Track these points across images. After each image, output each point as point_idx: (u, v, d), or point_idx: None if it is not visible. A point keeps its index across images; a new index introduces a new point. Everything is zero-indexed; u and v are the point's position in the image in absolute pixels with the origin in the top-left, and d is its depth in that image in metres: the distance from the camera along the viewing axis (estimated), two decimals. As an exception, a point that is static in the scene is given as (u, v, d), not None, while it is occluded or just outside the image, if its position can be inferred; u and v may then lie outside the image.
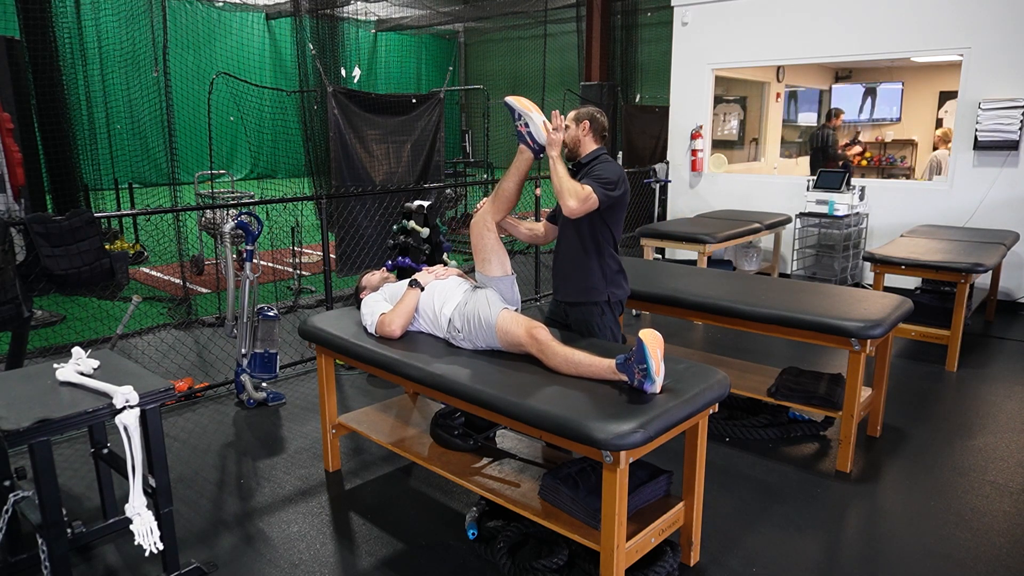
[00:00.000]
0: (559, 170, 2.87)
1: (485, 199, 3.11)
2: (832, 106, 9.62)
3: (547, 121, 2.93)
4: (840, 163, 8.80)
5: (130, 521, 2.34)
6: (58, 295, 4.79)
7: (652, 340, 2.38)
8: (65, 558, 2.35)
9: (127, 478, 2.36)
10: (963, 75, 6.30)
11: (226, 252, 4.25)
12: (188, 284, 6.50)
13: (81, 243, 3.67)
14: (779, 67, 9.18)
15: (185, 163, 10.05)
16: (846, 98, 10.46)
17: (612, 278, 3.08)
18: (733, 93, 9.26)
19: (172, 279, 7.40)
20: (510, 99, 2.97)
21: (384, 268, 3.94)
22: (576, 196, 2.81)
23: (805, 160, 9.74)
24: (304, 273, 7.03)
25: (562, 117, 2.96)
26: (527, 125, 2.94)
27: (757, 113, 9.58)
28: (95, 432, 2.85)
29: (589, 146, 3.05)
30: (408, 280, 3.20)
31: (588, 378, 2.57)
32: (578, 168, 3.06)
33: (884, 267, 4.94)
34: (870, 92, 10.38)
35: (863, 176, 9.65)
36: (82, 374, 2.53)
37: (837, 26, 6.90)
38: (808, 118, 10.62)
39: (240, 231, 4.20)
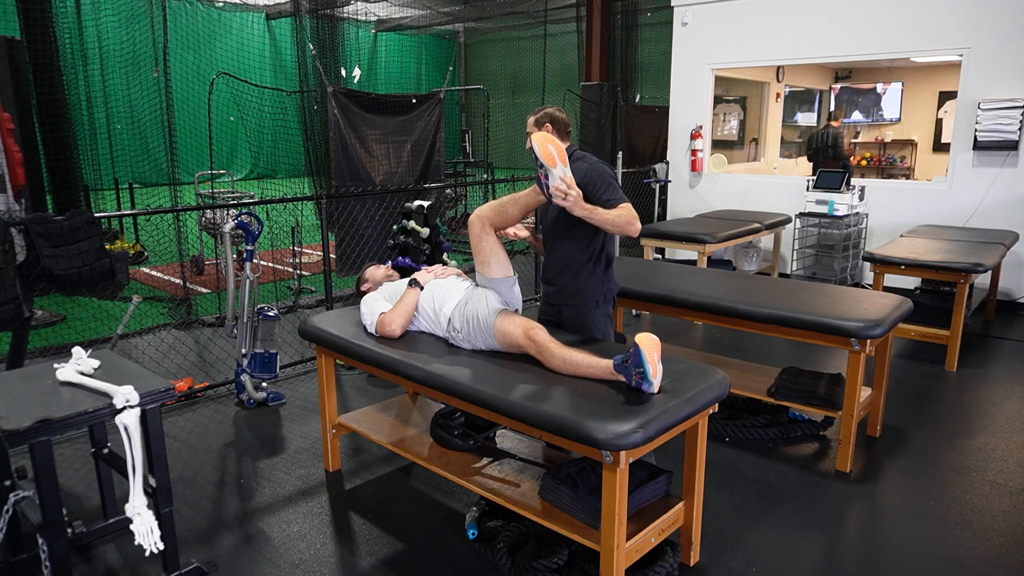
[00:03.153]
0: (598, 216, 2.69)
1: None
2: (832, 107, 9.63)
3: (564, 178, 2.64)
4: (841, 163, 8.81)
5: (130, 521, 2.34)
6: (58, 295, 4.79)
7: (648, 344, 2.36)
8: (65, 558, 2.35)
9: (127, 478, 2.36)
10: (963, 75, 6.31)
11: (226, 252, 4.25)
12: (188, 284, 6.50)
13: (81, 243, 3.67)
14: (779, 67, 9.18)
15: (185, 163, 10.05)
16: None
17: (603, 275, 3.05)
18: (733, 93, 9.26)
19: (172, 279, 7.40)
20: (536, 143, 2.65)
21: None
22: (628, 219, 2.71)
23: (805, 160, 9.74)
24: (304, 273, 7.03)
25: (573, 185, 2.64)
26: (547, 176, 2.73)
27: (757, 113, 9.58)
28: (95, 432, 2.85)
29: None
30: (408, 279, 3.20)
31: (587, 378, 2.57)
32: None
33: (884, 267, 4.94)
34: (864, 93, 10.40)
35: (863, 176, 9.66)
36: (82, 374, 2.53)
37: (837, 26, 6.90)
38: (808, 118, 10.62)
39: (240, 231, 4.20)
